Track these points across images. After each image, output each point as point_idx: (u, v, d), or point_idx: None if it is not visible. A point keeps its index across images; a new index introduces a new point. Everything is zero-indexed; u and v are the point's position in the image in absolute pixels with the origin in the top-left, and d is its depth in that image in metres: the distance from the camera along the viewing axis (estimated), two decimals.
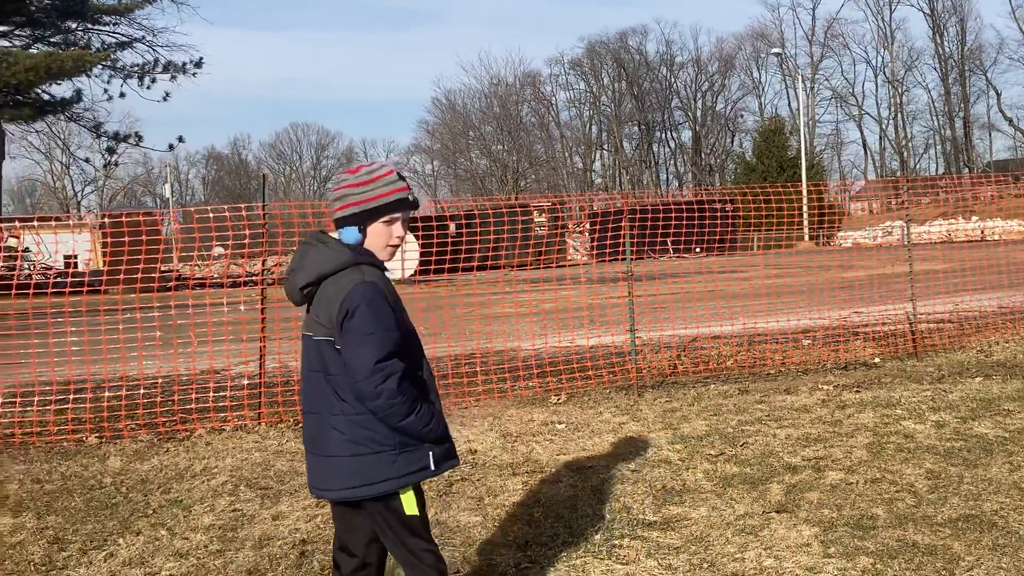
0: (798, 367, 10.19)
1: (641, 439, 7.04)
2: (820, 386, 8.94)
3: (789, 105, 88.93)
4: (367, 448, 3.15)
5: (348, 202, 3.22)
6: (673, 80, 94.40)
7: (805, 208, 35.52)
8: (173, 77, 39.30)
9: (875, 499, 5.41)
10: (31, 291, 11.21)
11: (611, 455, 6.62)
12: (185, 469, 6.78)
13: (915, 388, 8.66)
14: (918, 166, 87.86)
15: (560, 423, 7.75)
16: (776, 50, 75.97)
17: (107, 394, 8.71)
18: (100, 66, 36.44)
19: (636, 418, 7.82)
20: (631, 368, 9.40)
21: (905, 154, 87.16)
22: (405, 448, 3.16)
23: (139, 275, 9.64)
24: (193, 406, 8.46)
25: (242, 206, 8.72)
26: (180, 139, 42.79)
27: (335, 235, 3.25)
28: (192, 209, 10.69)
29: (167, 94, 39.92)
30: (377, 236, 3.24)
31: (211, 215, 8.87)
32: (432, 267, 11.43)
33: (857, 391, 8.63)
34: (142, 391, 8.67)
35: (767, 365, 10.30)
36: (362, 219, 3.21)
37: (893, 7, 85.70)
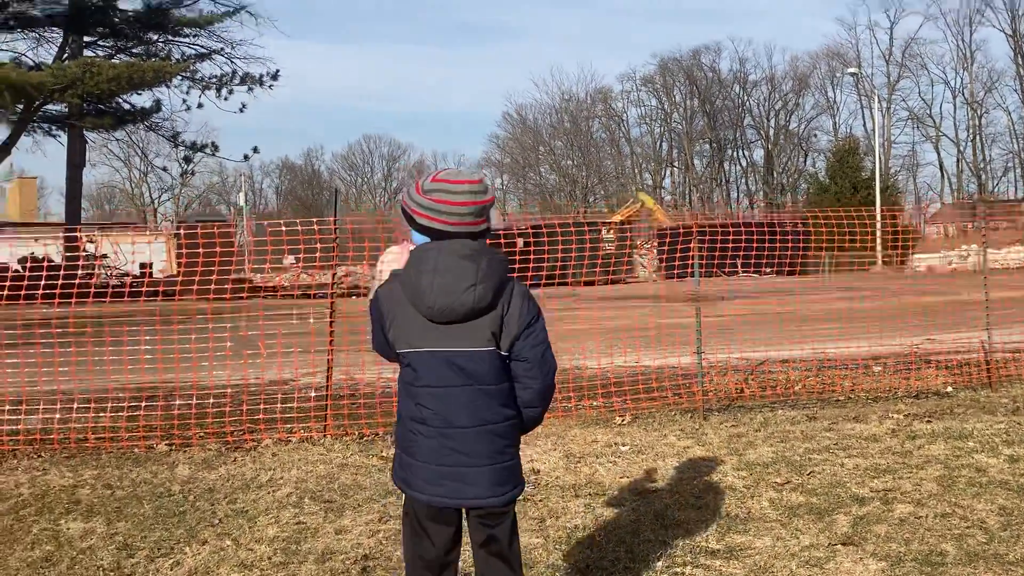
0: (868, 394, 10.01)
1: (706, 464, 6.97)
2: (890, 415, 8.77)
3: (864, 125, 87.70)
4: (513, 453, 3.34)
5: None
6: (746, 98, 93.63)
7: (879, 230, 34.92)
8: (250, 89, 40.03)
9: (944, 534, 5.29)
10: (108, 297, 11.52)
11: (675, 480, 6.56)
12: (251, 479, 6.87)
13: (989, 420, 8.45)
14: (996, 189, 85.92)
15: (624, 445, 7.70)
16: (852, 70, 74.92)
17: (178, 402, 8.86)
18: (179, 77, 37.26)
19: (701, 442, 7.75)
20: (697, 391, 9.31)
21: (983, 177, 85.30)
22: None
23: (212, 284, 9.81)
24: (261, 416, 8.58)
25: (315, 220, 8.83)
26: (255, 150, 43.88)
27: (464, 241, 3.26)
28: (265, 223, 10.89)
29: (244, 105, 40.63)
30: None
31: (283, 228, 9.01)
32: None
33: (928, 421, 8.45)
34: (211, 401, 8.81)
35: (836, 391, 10.13)
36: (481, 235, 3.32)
37: (973, 27, 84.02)
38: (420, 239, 3.30)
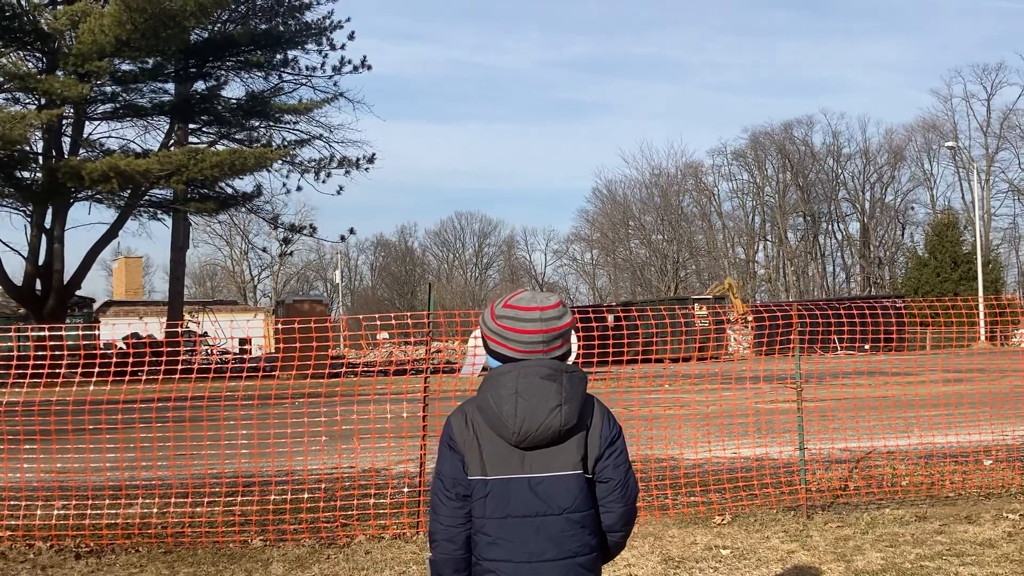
0: (980, 490, 9.55)
1: (812, 571, 6.69)
2: (1005, 515, 8.35)
3: (963, 197, 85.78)
4: None
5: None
6: (840, 171, 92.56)
7: (981, 307, 33.94)
8: (347, 172, 41.01)
9: None
10: (210, 376, 11.75)
11: None
12: None
13: None
14: None
15: (725, 548, 7.45)
16: (950, 144, 73.53)
17: (272, 496, 8.89)
18: (280, 162, 38.34)
19: (806, 545, 7.45)
20: (800, 487, 9.00)
21: None
22: None
23: (311, 363, 9.91)
24: (355, 513, 8.54)
25: (407, 315, 8.86)
26: (351, 231, 44.63)
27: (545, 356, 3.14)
28: (361, 318, 11.03)
29: (341, 188, 41.61)
30: None
31: (379, 323, 9.06)
32: (594, 360, 11.31)
33: None
34: (306, 495, 8.81)
35: (946, 487, 9.70)
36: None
37: None
38: (495, 363, 3.18)
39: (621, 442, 3.14)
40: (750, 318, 46.54)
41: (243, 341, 38.86)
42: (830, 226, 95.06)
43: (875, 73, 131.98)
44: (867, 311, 13.92)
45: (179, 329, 30.40)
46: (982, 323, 35.13)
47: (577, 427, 3.06)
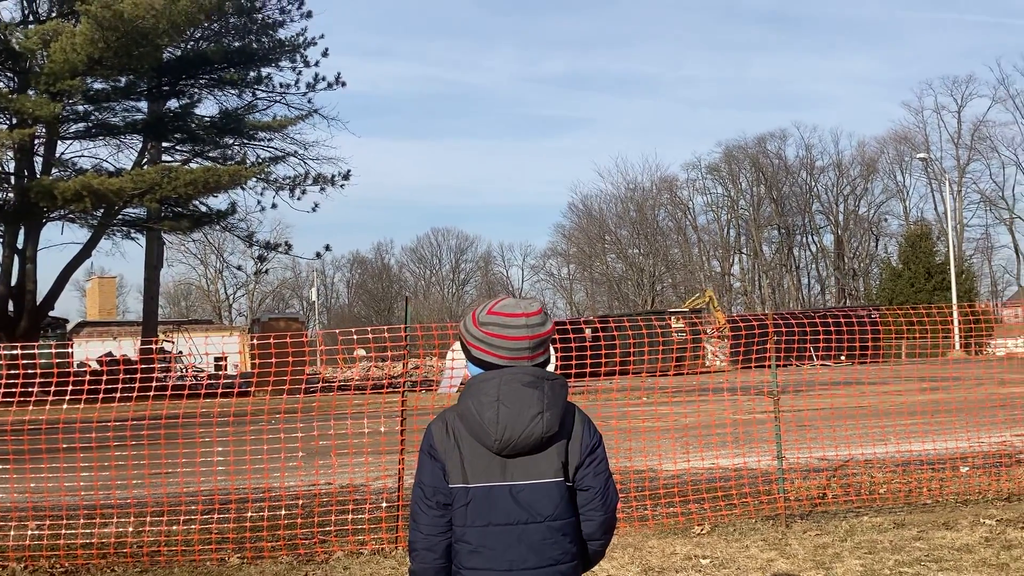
0: (956, 497, 9.60)
1: None
2: (982, 520, 8.39)
3: (936, 209, 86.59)
4: None
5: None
6: (813, 184, 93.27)
7: (956, 316, 34.17)
8: (322, 189, 40.85)
9: None
10: (185, 394, 11.66)
11: None
12: None
13: None
14: None
15: (704, 557, 7.44)
16: (922, 155, 74.21)
17: (250, 514, 8.81)
18: (254, 179, 38.17)
19: (785, 554, 7.46)
20: (778, 496, 9.01)
21: None
22: None
23: (286, 383, 9.86)
24: (333, 529, 8.48)
25: (385, 328, 8.83)
26: (327, 248, 44.13)
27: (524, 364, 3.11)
28: (338, 332, 10.95)
29: (316, 205, 41.39)
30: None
31: (355, 337, 9.03)
32: (572, 373, 11.31)
33: (1023, 528, 8.06)
34: (284, 512, 8.74)
35: (923, 494, 9.74)
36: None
37: None
38: (476, 370, 3.15)
39: (601, 450, 3.11)
40: (727, 331, 46.75)
41: (218, 359, 38.57)
42: (804, 238, 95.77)
43: (847, 86, 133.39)
44: (843, 321, 13.95)
45: (153, 347, 30.15)
46: (956, 332, 35.36)
47: (559, 434, 3.04)
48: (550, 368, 3.22)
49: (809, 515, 8.96)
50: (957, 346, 37.25)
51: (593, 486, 3.07)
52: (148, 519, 8.80)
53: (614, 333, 32.49)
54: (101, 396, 10.04)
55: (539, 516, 3.00)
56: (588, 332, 37.02)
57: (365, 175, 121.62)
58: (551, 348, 3.25)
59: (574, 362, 11.48)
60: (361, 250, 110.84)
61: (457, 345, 4.63)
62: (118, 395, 10.15)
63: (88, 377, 9.83)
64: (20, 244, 36.81)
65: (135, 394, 9.85)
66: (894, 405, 16.42)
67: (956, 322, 34.21)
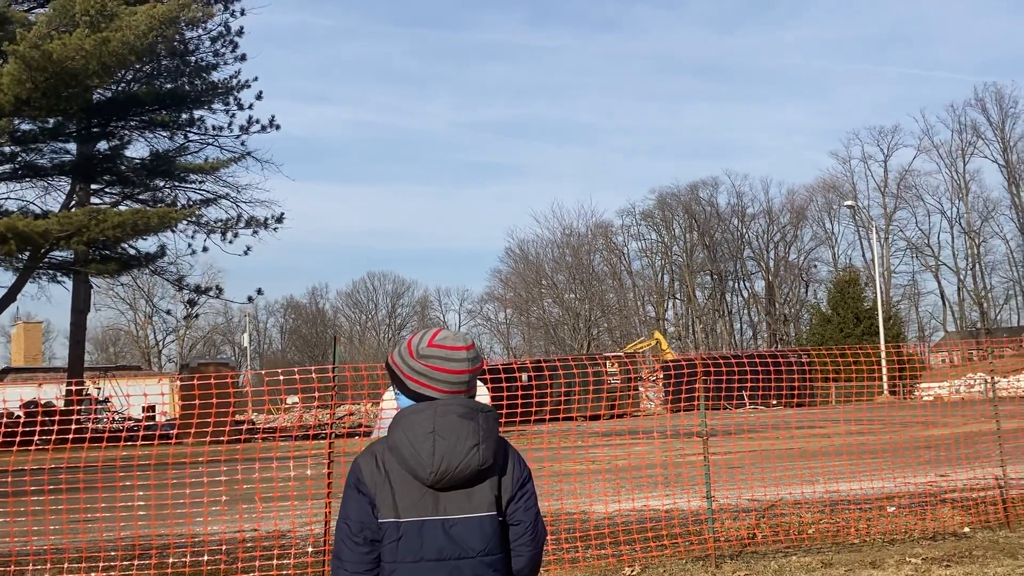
0: (883, 537, 9.69)
1: None
2: (908, 559, 8.46)
3: (864, 256, 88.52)
4: None
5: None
6: (745, 231, 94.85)
7: (884, 361, 34.77)
8: (255, 232, 40.32)
9: None
10: (104, 440, 11.32)
11: None
12: None
13: (1010, 564, 8.14)
14: (999, 317, 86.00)
15: None
16: (849, 203, 75.92)
17: (172, 560, 8.58)
18: (185, 222, 37.63)
19: None
20: (708, 537, 9.01)
21: (985, 305, 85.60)
22: None
23: (211, 427, 9.65)
24: (257, 575, 8.28)
25: (313, 369, 8.71)
26: (259, 291, 43.48)
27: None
28: (263, 372, 10.81)
29: (248, 248, 40.81)
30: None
31: (281, 378, 8.88)
32: (503, 418, 11.25)
33: (947, 566, 8.15)
34: (206, 558, 8.52)
35: (851, 534, 9.81)
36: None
37: (966, 159, 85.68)
38: (407, 402, 3.10)
39: (531, 484, 3.09)
40: (659, 375, 47.08)
41: (150, 408, 37.74)
42: (736, 284, 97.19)
43: (777, 136, 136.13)
44: (770, 365, 14.11)
45: (74, 388, 29.42)
46: (884, 376, 35.98)
47: (492, 468, 2.99)
48: (484, 400, 3.19)
49: (739, 555, 8.97)
50: (885, 390, 37.88)
51: (524, 520, 3.03)
52: (66, 566, 8.52)
53: (547, 380, 32.45)
54: (17, 441, 9.73)
55: (471, 551, 2.94)
56: (523, 377, 36.97)
57: (301, 219, 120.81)
58: (483, 385, 3.24)
59: (505, 404, 11.41)
60: (295, 295, 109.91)
61: (390, 393, 4.55)
62: (35, 442, 9.84)
63: (5, 421, 9.50)
64: None
65: (52, 440, 9.57)
66: (822, 446, 16.59)
67: (884, 365, 34.80)
